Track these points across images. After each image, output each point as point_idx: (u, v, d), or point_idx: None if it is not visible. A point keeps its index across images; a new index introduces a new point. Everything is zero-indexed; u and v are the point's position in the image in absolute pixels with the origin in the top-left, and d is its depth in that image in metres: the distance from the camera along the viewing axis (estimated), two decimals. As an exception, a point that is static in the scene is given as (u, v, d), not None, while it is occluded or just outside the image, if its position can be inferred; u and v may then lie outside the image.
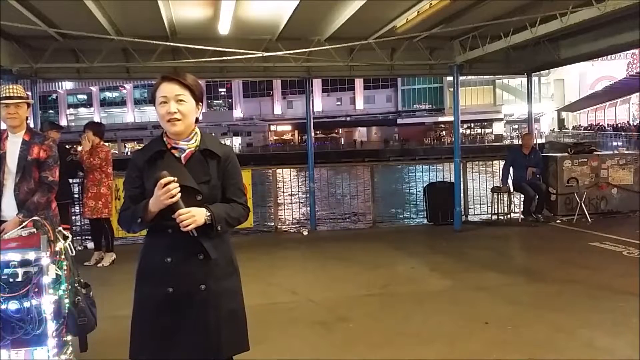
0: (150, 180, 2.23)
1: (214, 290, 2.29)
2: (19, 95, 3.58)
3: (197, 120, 2.37)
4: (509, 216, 9.81)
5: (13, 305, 2.71)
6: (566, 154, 9.81)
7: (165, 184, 2.14)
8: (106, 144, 7.30)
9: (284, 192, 10.79)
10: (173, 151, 2.32)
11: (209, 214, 2.21)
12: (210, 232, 2.23)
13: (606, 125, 40.93)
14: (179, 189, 2.17)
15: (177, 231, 2.20)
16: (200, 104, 2.34)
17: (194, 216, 2.17)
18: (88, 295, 3.11)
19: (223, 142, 2.61)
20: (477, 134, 57.12)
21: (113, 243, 7.13)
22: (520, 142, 10.07)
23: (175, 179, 2.18)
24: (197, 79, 2.36)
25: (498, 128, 57.47)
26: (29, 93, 8.84)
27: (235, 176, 2.39)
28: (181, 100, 2.26)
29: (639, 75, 36.34)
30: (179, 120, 2.26)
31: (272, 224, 9.65)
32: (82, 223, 8.77)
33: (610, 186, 9.63)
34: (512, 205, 9.87)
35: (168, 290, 2.26)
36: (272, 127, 62.02)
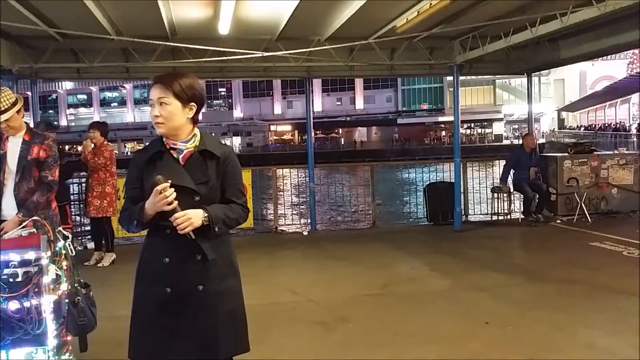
0: (148, 180, 2.24)
1: (212, 291, 2.28)
2: (5, 108, 3.47)
3: (196, 120, 2.36)
4: (509, 216, 9.81)
5: (13, 305, 2.71)
6: (566, 154, 9.81)
7: (162, 190, 2.15)
8: (110, 144, 7.29)
9: (284, 192, 10.80)
10: (172, 151, 2.32)
11: (206, 215, 2.21)
12: (208, 233, 2.23)
13: (607, 126, 40.88)
14: (174, 195, 2.18)
15: (175, 232, 2.20)
16: (192, 104, 2.30)
17: (190, 219, 2.18)
18: (88, 295, 3.11)
19: (223, 142, 2.59)
20: (477, 134, 57.13)
21: (113, 243, 7.14)
22: (521, 142, 10.04)
23: (170, 182, 2.18)
24: (193, 79, 2.33)
25: (498, 128, 57.49)
26: (28, 93, 8.91)
27: (234, 177, 2.38)
28: (163, 103, 2.26)
29: (639, 75, 36.32)
30: (162, 123, 2.27)
31: (272, 224, 9.64)
32: (82, 223, 8.78)
33: (610, 186, 9.63)
34: (512, 205, 9.87)
35: (166, 290, 2.26)
36: (272, 127, 62.05)
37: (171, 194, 2.17)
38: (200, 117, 2.39)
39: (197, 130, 2.35)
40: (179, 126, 2.30)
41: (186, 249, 2.25)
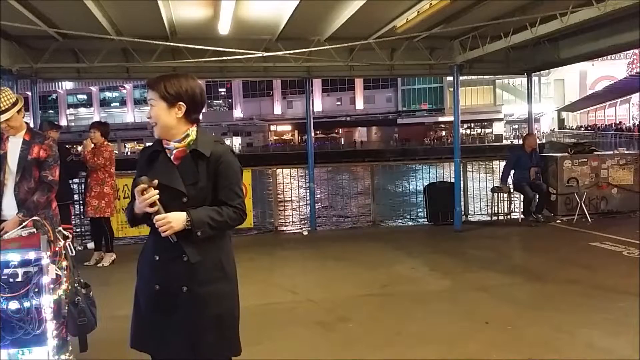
0: (149, 176, 2.26)
1: (197, 293, 2.27)
2: (5, 108, 3.47)
3: (194, 120, 2.35)
4: (509, 216, 9.81)
5: (13, 305, 2.71)
6: (566, 154, 9.81)
7: (143, 191, 2.18)
8: (110, 144, 7.29)
9: (284, 192, 10.80)
10: (167, 151, 2.34)
11: (188, 219, 2.19)
12: (191, 236, 2.22)
13: (608, 126, 40.86)
14: (157, 197, 2.19)
15: None
16: (180, 104, 2.28)
17: (170, 222, 2.18)
18: (88, 295, 3.11)
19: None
20: (477, 134, 57.12)
21: (113, 243, 7.14)
22: (521, 142, 10.03)
23: (156, 183, 2.19)
24: (182, 79, 2.31)
25: (498, 128, 57.49)
26: (28, 93, 8.91)
27: (228, 177, 2.31)
28: (151, 105, 2.31)
29: (639, 75, 36.31)
30: (154, 124, 2.31)
31: (273, 223, 9.65)
32: (82, 223, 8.78)
33: (610, 186, 9.63)
34: (512, 205, 9.87)
35: (155, 287, 2.30)
36: (272, 127, 62.05)
37: (151, 195, 2.18)
38: (200, 117, 2.39)
39: (191, 130, 2.33)
40: (169, 126, 2.30)
41: (174, 250, 2.25)
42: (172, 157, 2.32)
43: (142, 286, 2.37)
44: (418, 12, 7.00)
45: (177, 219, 2.18)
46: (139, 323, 2.37)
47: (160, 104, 2.28)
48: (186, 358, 2.30)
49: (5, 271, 2.73)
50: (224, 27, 7.22)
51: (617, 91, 36.35)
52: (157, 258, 2.30)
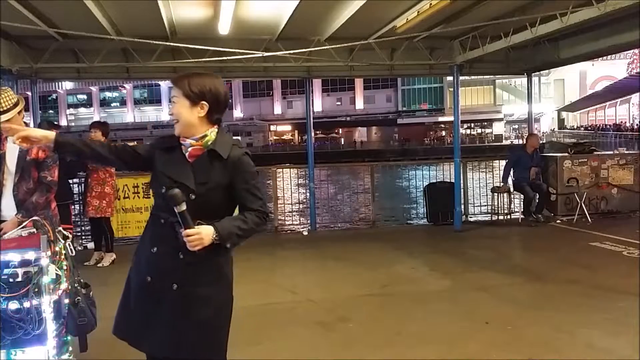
0: (160, 166, 2.32)
1: (187, 292, 2.27)
2: (6, 109, 3.46)
3: (216, 120, 2.34)
4: (509, 216, 9.81)
5: (13, 305, 2.71)
6: (566, 154, 9.81)
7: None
8: (110, 143, 7.29)
9: (284, 192, 10.79)
10: (182, 147, 2.35)
11: (215, 235, 2.18)
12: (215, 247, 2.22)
13: (609, 126, 40.85)
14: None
15: (167, 224, 2.24)
16: (203, 103, 2.29)
17: (202, 239, 2.16)
18: (88, 295, 3.11)
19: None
20: (477, 134, 57.12)
21: (113, 243, 7.14)
22: (523, 142, 10.03)
23: (184, 200, 2.18)
24: (206, 79, 2.31)
25: (498, 128, 57.47)
26: (28, 93, 8.91)
27: (246, 181, 2.32)
28: (173, 102, 2.32)
29: (639, 75, 36.31)
30: (176, 121, 2.31)
31: (272, 223, 9.64)
32: (82, 223, 8.77)
33: (610, 186, 9.63)
34: (512, 205, 9.87)
35: (147, 279, 2.30)
36: (272, 127, 62.03)
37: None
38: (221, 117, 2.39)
39: (211, 131, 2.33)
40: (190, 124, 2.30)
41: (172, 245, 2.25)
42: (187, 155, 2.32)
43: (135, 274, 2.38)
44: (418, 12, 7.00)
45: (207, 235, 2.17)
46: (124, 311, 2.39)
47: (183, 101, 2.29)
48: (163, 356, 2.30)
49: (5, 271, 2.72)
50: (224, 27, 7.22)
51: (617, 91, 36.33)
52: (154, 250, 2.30)
